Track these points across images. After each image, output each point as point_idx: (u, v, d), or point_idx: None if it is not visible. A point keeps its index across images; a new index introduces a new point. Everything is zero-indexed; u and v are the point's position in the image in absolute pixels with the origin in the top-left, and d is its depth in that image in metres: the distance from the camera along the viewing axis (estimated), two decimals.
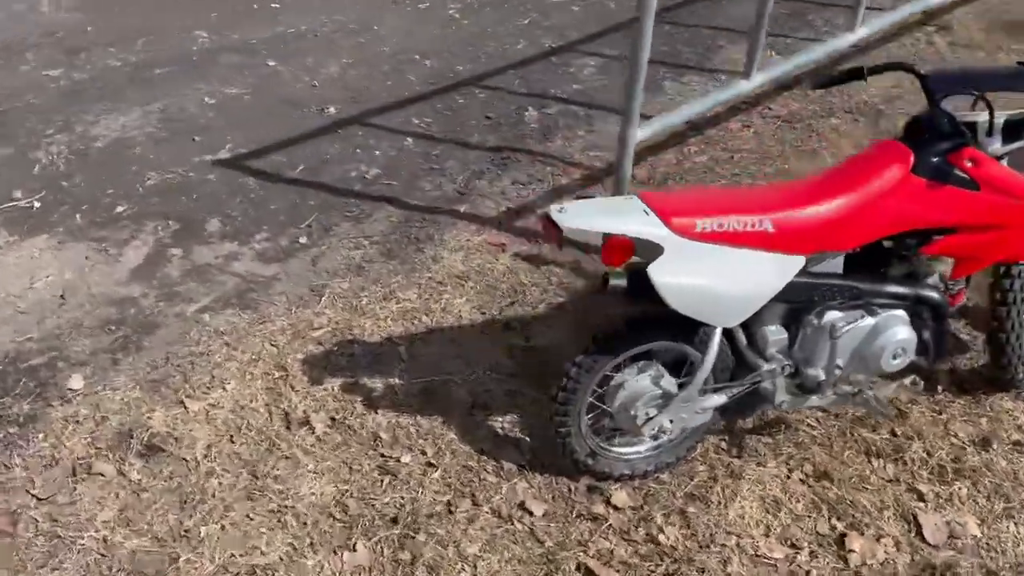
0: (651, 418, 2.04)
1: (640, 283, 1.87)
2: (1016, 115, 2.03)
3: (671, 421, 2.06)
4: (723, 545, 2.00)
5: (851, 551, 1.99)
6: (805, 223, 1.91)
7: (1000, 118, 2.02)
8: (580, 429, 2.08)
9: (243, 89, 4.02)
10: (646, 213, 1.85)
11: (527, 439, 2.25)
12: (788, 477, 2.17)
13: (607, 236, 1.85)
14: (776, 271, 1.92)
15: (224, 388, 2.39)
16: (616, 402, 2.04)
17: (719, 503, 2.10)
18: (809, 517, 2.08)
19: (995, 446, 2.24)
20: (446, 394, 2.38)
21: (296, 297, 2.75)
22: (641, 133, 3.03)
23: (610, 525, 2.04)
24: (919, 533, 2.05)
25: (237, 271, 2.86)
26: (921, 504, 2.11)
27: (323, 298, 2.73)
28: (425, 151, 3.57)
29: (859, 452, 2.24)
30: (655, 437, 2.10)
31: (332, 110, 3.84)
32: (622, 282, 1.92)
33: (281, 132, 3.66)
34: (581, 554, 1.97)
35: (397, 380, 2.42)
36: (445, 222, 3.13)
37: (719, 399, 2.07)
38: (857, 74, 2.10)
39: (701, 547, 2.00)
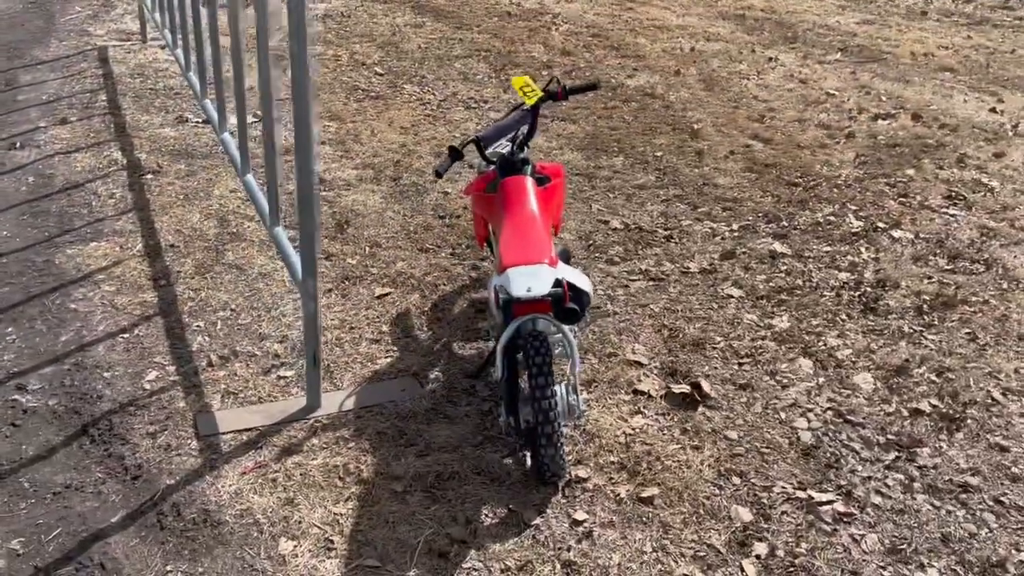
0: (578, 399, 2.94)
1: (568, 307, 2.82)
2: (516, 142, 3.48)
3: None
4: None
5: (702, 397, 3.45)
6: (549, 234, 3.12)
7: (510, 145, 3.47)
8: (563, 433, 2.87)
9: None
10: (539, 265, 2.82)
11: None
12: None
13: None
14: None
15: None
16: (559, 406, 2.84)
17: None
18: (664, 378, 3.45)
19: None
20: None
21: None
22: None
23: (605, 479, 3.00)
24: None
25: None
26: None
27: None
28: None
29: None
30: (572, 414, 2.95)
31: None
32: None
33: None
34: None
35: None
36: (177, 487, 2.89)
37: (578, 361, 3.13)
38: (456, 154, 3.27)
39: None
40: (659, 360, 3.68)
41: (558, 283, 2.82)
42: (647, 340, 3.82)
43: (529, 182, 3.32)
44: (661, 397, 3.47)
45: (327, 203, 4.94)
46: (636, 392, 3.49)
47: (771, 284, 4.26)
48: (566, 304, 2.82)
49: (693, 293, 4.18)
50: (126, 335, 3.77)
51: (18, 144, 5.56)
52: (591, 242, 4.59)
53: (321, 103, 6.34)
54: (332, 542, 2.77)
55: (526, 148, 3.55)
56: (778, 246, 4.60)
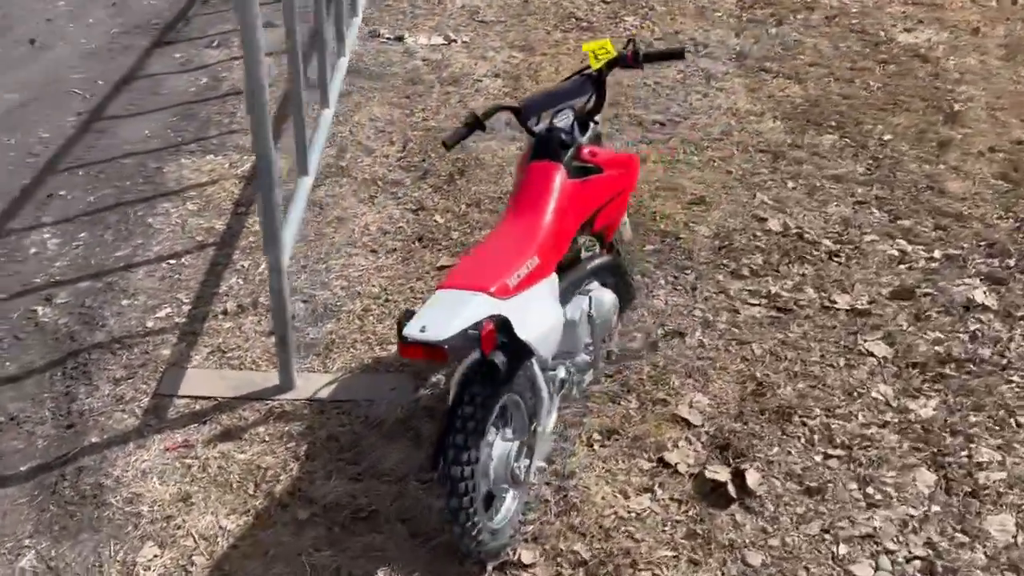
0: (531, 466, 2.34)
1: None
2: (580, 115, 2.71)
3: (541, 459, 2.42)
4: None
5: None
6: (547, 246, 2.37)
7: (570, 118, 2.69)
8: (479, 510, 2.23)
9: None
10: (473, 295, 2.12)
11: None
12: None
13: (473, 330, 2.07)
14: (552, 292, 2.38)
15: None
16: (493, 473, 2.26)
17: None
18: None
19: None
20: None
21: None
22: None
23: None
24: None
25: None
26: None
27: None
28: None
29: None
30: (517, 482, 2.39)
31: None
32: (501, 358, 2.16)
33: None
34: None
35: None
36: (110, 480, 2.62)
37: (554, 417, 2.45)
38: (476, 123, 2.57)
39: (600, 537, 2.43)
40: (716, 424, 2.79)
41: (479, 324, 2.09)
42: (718, 392, 2.91)
43: (557, 173, 2.55)
44: (690, 477, 2.61)
45: (460, 147, 4.41)
46: (661, 462, 2.66)
47: (939, 348, 3.08)
48: (484, 354, 2.10)
49: (821, 338, 3.14)
50: (172, 261, 3.61)
51: (215, 43, 5.64)
52: (727, 243, 3.64)
53: (523, 30, 5.74)
54: (193, 563, 2.37)
55: (592, 125, 2.76)
56: (982, 294, 3.33)
